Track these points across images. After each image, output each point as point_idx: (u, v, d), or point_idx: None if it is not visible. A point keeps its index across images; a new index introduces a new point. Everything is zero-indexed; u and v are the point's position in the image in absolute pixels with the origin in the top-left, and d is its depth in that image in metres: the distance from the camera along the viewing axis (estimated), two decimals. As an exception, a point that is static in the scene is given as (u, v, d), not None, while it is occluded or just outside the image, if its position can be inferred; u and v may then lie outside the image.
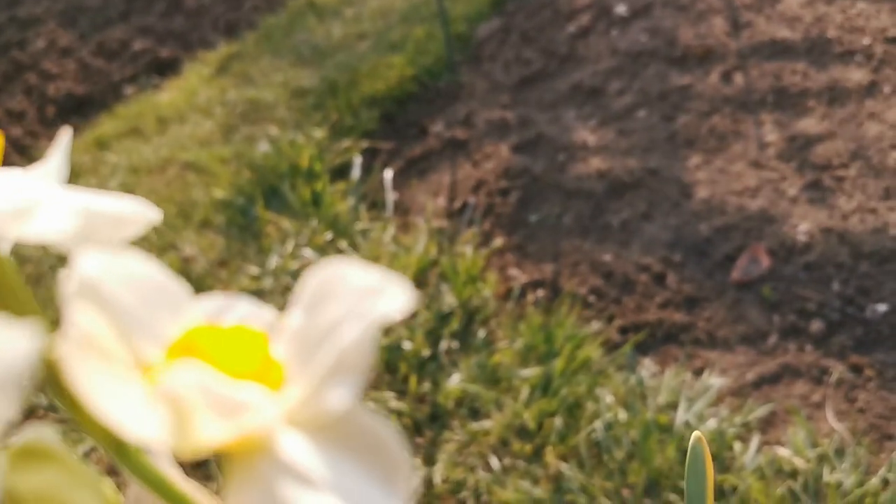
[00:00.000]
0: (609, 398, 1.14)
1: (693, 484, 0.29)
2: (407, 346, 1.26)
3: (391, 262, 1.41)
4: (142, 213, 0.18)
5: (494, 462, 1.10)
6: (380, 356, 1.25)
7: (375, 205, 1.60)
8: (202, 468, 1.11)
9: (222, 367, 0.16)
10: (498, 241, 1.45)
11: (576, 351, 1.21)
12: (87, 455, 1.15)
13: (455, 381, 1.20)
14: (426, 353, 1.25)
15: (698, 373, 1.19)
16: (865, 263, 1.26)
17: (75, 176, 1.83)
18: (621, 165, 1.53)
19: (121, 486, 0.20)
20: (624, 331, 1.27)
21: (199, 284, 1.46)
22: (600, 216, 1.46)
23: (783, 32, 1.72)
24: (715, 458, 1.05)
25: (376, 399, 1.19)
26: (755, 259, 1.30)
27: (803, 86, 1.59)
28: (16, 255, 1.60)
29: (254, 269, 1.47)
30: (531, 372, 1.19)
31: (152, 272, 0.18)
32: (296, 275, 1.43)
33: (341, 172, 1.69)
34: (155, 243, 1.57)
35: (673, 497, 1.03)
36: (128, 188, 1.77)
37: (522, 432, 1.13)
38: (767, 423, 1.11)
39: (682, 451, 1.07)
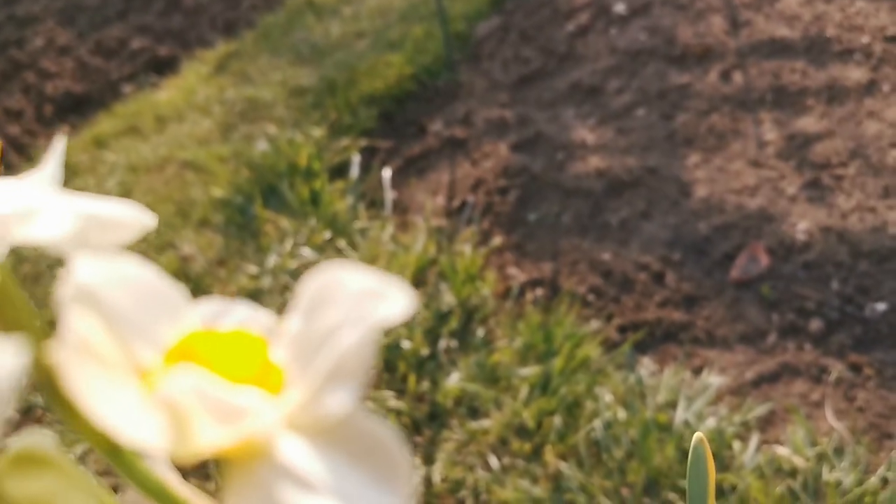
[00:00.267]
0: (608, 397, 1.14)
1: (695, 484, 0.29)
2: (406, 345, 1.26)
3: (390, 261, 1.40)
4: (136, 217, 0.18)
5: (493, 461, 1.10)
6: (378, 355, 1.25)
7: (374, 204, 1.60)
8: (200, 471, 1.11)
9: (221, 372, 0.16)
10: (497, 240, 1.44)
11: (575, 350, 1.21)
12: (82, 458, 1.15)
13: (454, 380, 1.20)
14: (425, 352, 1.25)
15: (697, 372, 1.19)
16: (864, 262, 1.26)
17: (73, 175, 1.83)
18: (620, 164, 1.53)
19: (116, 490, 0.20)
20: (623, 330, 1.27)
21: (198, 283, 1.45)
22: (599, 215, 1.46)
23: (782, 31, 1.72)
24: (714, 457, 1.05)
25: (375, 398, 1.19)
26: (754, 258, 1.30)
27: (802, 84, 1.59)
28: (14, 255, 1.60)
29: (252, 268, 1.47)
30: (530, 371, 1.19)
31: (149, 276, 0.18)
32: (294, 274, 1.43)
33: (340, 171, 1.69)
34: (153, 242, 1.57)
35: (672, 496, 1.03)
36: (126, 187, 1.77)
37: (521, 431, 1.13)
38: (766, 422, 1.11)
39: (681, 450, 1.07)
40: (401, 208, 1.58)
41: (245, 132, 1.86)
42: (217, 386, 0.15)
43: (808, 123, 1.51)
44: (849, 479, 1.00)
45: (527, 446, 1.11)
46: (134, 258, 0.18)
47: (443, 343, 1.26)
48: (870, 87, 1.54)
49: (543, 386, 1.17)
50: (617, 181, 1.50)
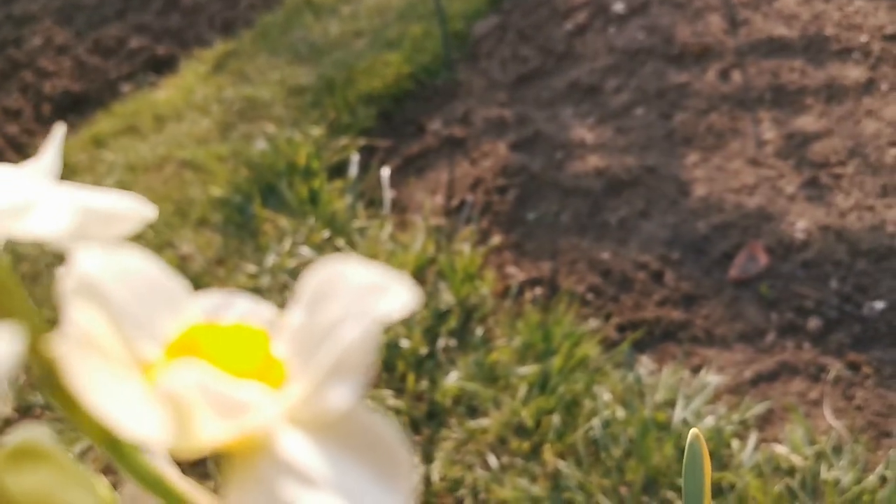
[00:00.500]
0: (607, 396, 1.14)
1: (691, 481, 0.29)
2: (404, 343, 1.26)
3: (388, 261, 1.40)
4: (137, 209, 0.18)
5: (492, 460, 1.10)
6: (377, 354, 1.25)
7: (373, 203, 1.60)
8: (199, 467, 1.11)
9: (222, 366, 0.16)
10: (496, 239, 1.44)
11: (574, 349, 1.21)
12: (82, 454, 1.15)
13: (453, 379, 1.20)
14: (424, 351, 1.25)
15: (696, 370, 1.19)
16: (863, 261, 1.26)
17: (71, 174, 1.83)
18: (619, 163, 1.53)
19: (117, 486, 0.20)
20: (622, 329, 1.27)
21: (197, 282, 1.45)
22: (598, 214, 1.46)
23: (780, 30, 1.72)
24: (712, 455, 1.05)
25: (374, 397, 1.19)
26: (753, 257, 1.30)
27: (801, 83, 1.59)
28: (13, 253, 1.60)
29: (251, 268, 1.47)
30: (529, 370, 1.19)
31: (151, 269, 0.18)
32: (293, 273, 1.43)
33: (338, 170, 1.69)
34: (152, 241, 1.57)
35: (670, 494, 1.03)
36: (124, 186, 1.77)
37: (520, 430, 1.13)
38: (765, 421, 1.11)
39: (680, 449, 1.07)
40: (399, 207, 1.58)
41: (244, 131, 1.86)
42: (219, 380, 0.15)
43: (806, 122, 1.51)
44: (847, 478, 1.00)
45: (525, 445, 1.11)
46: (135, 250, 0.18)
47: (441, 342, 1.26)
48: (868, 86, 1.54)
49: (542, 385, 1.17)
50: (616, 180, 1.50)
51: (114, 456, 0.17)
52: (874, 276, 1.24)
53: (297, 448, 0.15)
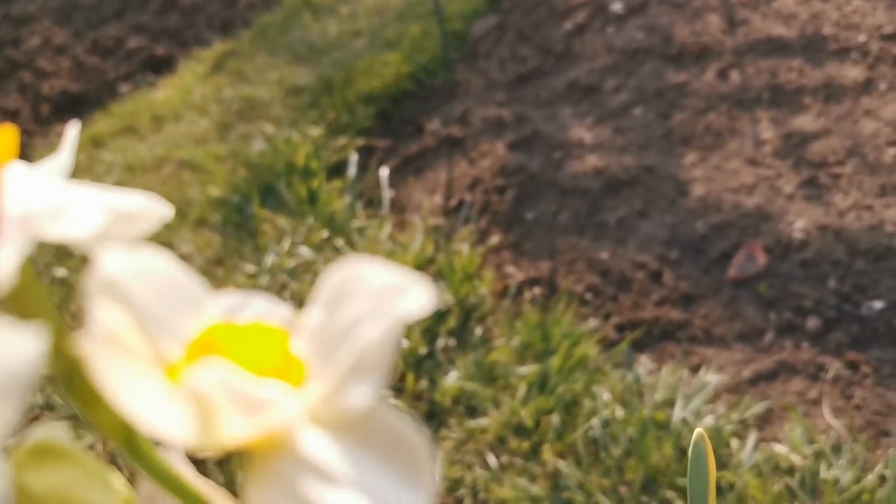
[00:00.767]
0: (606, 395, 1.14)
1: (696, 481, 0.29)
2: (404, 343, 1.26)
3: (387, 260, 1.40)
4: (155, 209, 0.18)
5: (492, 460, 1.10)
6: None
7: (372, 203, 1.60)
8: (199, 465, 1.11)
9: (243, 364, 0.16)
10: (494, 239, 1.45)
11: (573, 348, 1.21)
12: (87, 450, 1.15)
13: (452, 379, 1.20)
14: (423, 350, 1.25)
15: (695, 370, 1.19)
16: (861, 260, 1.26)
17: (70, 174, 1.82)
18: (617, 163, 1.53)
19: (129, 482, 0.20)
20: (621, 328, 1.27)
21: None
22: (597, 214, 1.46)
23: (779, 30, 1.72)
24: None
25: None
26: (751, 256, 1.30)
27: (799, 83, 1.59)
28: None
29: (250, 268, 1.47)
30: (528, 369, 1.19)
31: (171, 269, 0.18)
32: (292, 273, 1.43)
33: (337, 170, 1.69)
34: (151, 241, 1.56)
35: (670, 494, 1.03)
36: (123, 186, 1.77)
37: (520, 430, 1.13)
38: (764, 420, 1.11)
39: (679, 449, 1.07)
40: (398, 207, 1.58)
41: (242, 131, 1.86)
42: (242, 378, 0.15)
43: (804, 122, 1.51)
44: (846, 477, 1.00)
45: (525, 445, 1.11)
46: (155, 250, 0.18)
47: (441, 342, 1.26)
48: (866, 86, 1.54)
49: (541, 384, 1.17)
50: (614, 180, 1.50)
51: (131, 454, 0.17)
52: (873, 275, 1.24)
53: (319, 446, 0.15)
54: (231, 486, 1.07)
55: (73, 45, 2.36)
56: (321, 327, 0.17)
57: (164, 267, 0.18)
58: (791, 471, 1.03)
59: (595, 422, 1.10)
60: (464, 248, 1.42)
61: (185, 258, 1.52)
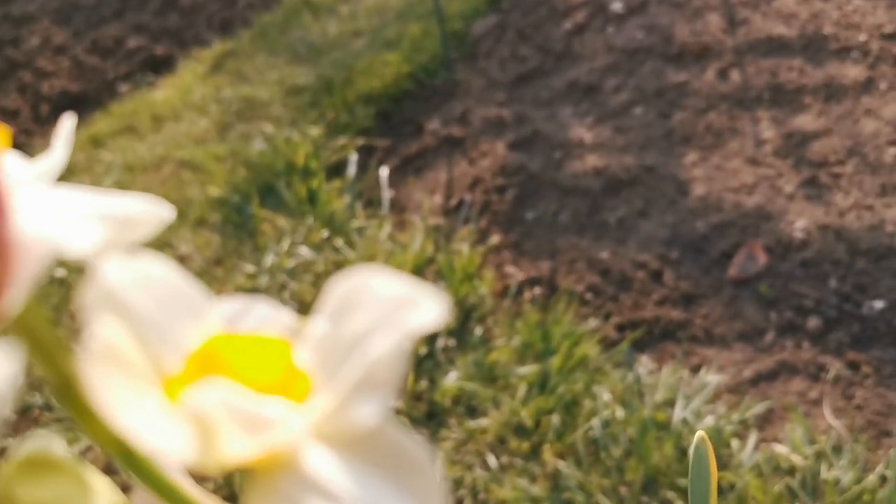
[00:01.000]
0: (606, 396, 1.14)
1: (697, 483, 0.29)
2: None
3: (387, 260, 1.40)
4: (156, 212, 0.18)
5: (492, 460, 1.10)
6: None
7: (371, 202, 1.60)
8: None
9: (245, 378, 0.16)
10: (494, 239, 1.44)
11: (573, 348, 1.21)
12: (82, 454, 1.15)
13: (452, 379, 1.20)
14: (423, 350, 1.25)
15: (695, 370, 1.19)
16: (862, 260, 1.26)
17: (69, 174, 1.82)
18: (618, 163, 1.53)
19: (125, 490, 0.20)
20: (621, 328, 1.27)
21: (195, 283, 1.45)
22: (597, 213, 1.45)
23: (779, 29, 1.72)
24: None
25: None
26: (752, 256, 1.30)
27: (800, 83, 1.59)
28: None
29: (249, 268, 1.47)
30: (528, 370, 1.19)
31: (171, 275, 0.18)
32: (292, 273, 1.43)
33: (337, 170, 1.68)
34: (150, 241, 1.56)
35: (670, 494, 1.03)
36: (123, 186, 1.77)
37: (520, 430, 1.13)
38: (765, 421, 1.11)
39: (680, 449, 1.07)
40: (398, 207, 1.58)
41: (242, 131, 1.86)
42: (245, 397, 0.15)
43: (805, 121, 1.51)
44: (847, 477, 1.00)
45: (525, 445, 1.11)
46: (155, 257, 0.17)
47: (440, 342, 1.26)
48: (867, 85, 1.54)
49: (541, 385, 1.17)
50: (615, 180, 1.50)
51: (128, 466, 0.17)
52: (873, 275, 1.24)
53: (323, 464, 0.15)
54: (233, 499, 1.07)
55: (72, 45, 2.36)
56: (327, 339, 0.17)
57: (164, 273, 0.18)
58: (792, 471, 1.03)
59: (595, 422, 1.10)
60: (464, 247, 1.41)
61: (184, 258, 1.52)
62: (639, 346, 1.24)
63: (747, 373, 1.17)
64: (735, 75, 1.66)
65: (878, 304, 1.20)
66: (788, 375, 1.15)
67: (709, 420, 1.09)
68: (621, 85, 1.72)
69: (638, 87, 1.69)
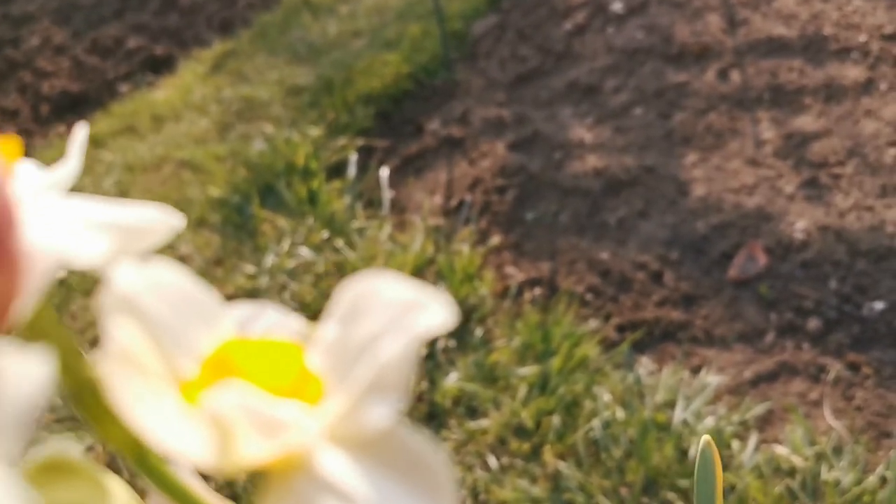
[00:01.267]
0: (607, 396, 1.14)
1: (703, 487, 0.29)
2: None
3: (388, 261, 1.40)
4: (165, 220, 0.18)
5: (492, 461, 1.10)
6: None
7: (372, 203, 1.60)
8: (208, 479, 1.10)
9: (259, 381, 0.16)
10: (495, 240, 1.44)
11: (573, 349, 1.21)
12: (85, 452, 1.15)
13: (452, 380, 1.20)
14: (423, 351, 1.25)
15: (696, 371, 1.19)
16: (862, 261, 1.26)
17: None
18: (618, 163, 1.53)
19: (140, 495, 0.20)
20: (621, 329, 1.27)
21: (195, 283, 1.45)
22: (597, 214, 1.45)
23: (779, 30, 1.72)
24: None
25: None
26: (752, 257, 1.30)
27: (800, 83, 1.59)
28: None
29: (250, 268, 1.47)
30: (529, 370, 1.19)
31: (184, 282, 0.18)
32: (292, 273, 1.43)
33: (337, 170, 1.68)
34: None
35: (671, 495, 1.03)
36: (123, 187, 1.77)
37: (520, 431, 1.13)
38: (765, 422, 1.11)
39: (680, 450, 1.07)
40: (398, 208, 1.58)
41: (242, 131, 1.86)
42: (261, 400, 0.15)
43: (805, 122, 1.51)
44: (847, 479, 1.00)
45: (525, 446, 1.11)
46: (168, 264, 0.18)
47: (441, 343, 1.26)
48: (867, 86, 1.54)
49: (542, 385, 1.17)
50: (615, 180, 1.50)
51: (142, 469, 0.17)
52: (873, 276, 1.24)
53: (336, 466, 0.15)
54: (236, 499, 1.07)
55: (72, 45, 2.36)
56: (337, 342, 0.17)
57: (178, 280, 0.18)
58: (792, 472, 1.03)
59: (596, 423, 1.10)
60: (464, 248, 1.41)
61: (184, 258, 1.52)
62: (639, 347, 1.24)
63: (747, 374, 1.17)
64: (735, 76, 1.66)
65: (879, 305, 1.20)
66: (789, 376, 1.15)
67: (709, 421, 1.09)
68: (621, 85, 1.72)
69: (638, 88, 1.70)
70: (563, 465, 1.07)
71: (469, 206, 1.53)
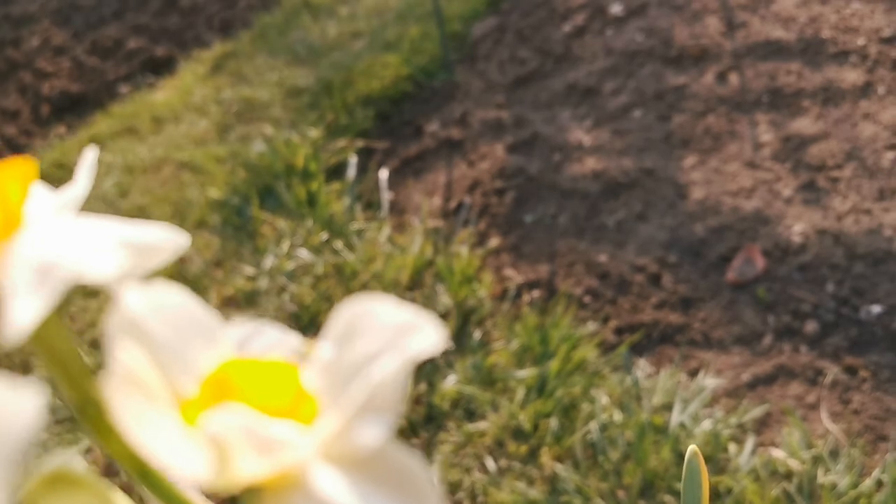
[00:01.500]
0: (604, 399, 1.14)
1: (690, 497, 0.29)
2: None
3: (386, 263, 1.41)
4: (172, 240, 0.19)
5: (490, 463, 1.10)
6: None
7: (371, 205, 1.61)
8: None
9: (257, 401, 0.16)
10: (493, 242, 1.45)
11: (571, 352, 1.22)
12: (84, 454, 1.15)
13: (451, 383, 1.21)
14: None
15: (693, 374, 1.19)
16: (860, 264, 1.26)
17: (70, 175, 1.82)
18: (616, 166, 1.53)
19: (126, 491, 0.20)
20: (619, 331, 1.27)
21: (195, 285, 1.45)
22: (595, 216, 1.46)
23: (778, 33, 1.73)
24: (710, 459, 1.06)
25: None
26: (750, 260, 1.31)
27: (798, 86, 1.59)
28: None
29: (249, 270, 1.47)
30: (527, 373, 1.19)
31: (187, 304, 0.19)
32: (291, 275, 1.43)
33: (336, 172, 1.69)
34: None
35: (668, 498, 1.03)
36: (123, 188, 1.77)
37: (518, 433, 1.14)
38: (762, 425, 1.11)
39: (677, 453, 1.07)
40: (397, 209, 1.58)
41: (242, 133, 1.86)
42: (259, 421, 0.16)
43: (803, 125, 1.51)
44: (844, 482, 1.00)
45: (523, 448, 1.11)
46: (172, 286, 0.18)
47: (439, 345, 1.26)
48: (865, 89, 1.55)
49: (540, 388, 1.18)
50: (613, 183, 1.51)
51: (145, 483, 0.18)
52: (871, 279, 1.24)
53: (330, 483, 0.16)
54: None
55: (72, 46, 2.37)
56: (332, 362, 0.17)
57: (180, 301, 0.18)
58: (789, 476, 1.03)
59: (593, 425, 1.11)
60: (463, 250, 1.42)
61: (184, 260, 1.52)
62: (637, 350, 1.24)
63: (745, 377, 1.17)
64: (734, 78, 1.66)
65: (876, 309, 1.20)
66: (786, 379, 1.16)
67: (706, 424, 1.09)
68: (620, 87, 1.72)
69: (637, 90, 1.70)
70: (560, 468, 1.08)
71: (468, 207, 1.53)
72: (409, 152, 1.71)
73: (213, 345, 0.18)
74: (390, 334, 0.17)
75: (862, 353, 1.16)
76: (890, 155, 1.41)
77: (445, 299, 1.33)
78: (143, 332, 0.17)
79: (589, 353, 1.22)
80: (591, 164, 1.55)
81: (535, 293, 1.35)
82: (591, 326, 1.27)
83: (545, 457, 1.10)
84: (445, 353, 1.26)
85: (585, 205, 1.48)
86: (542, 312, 1.30)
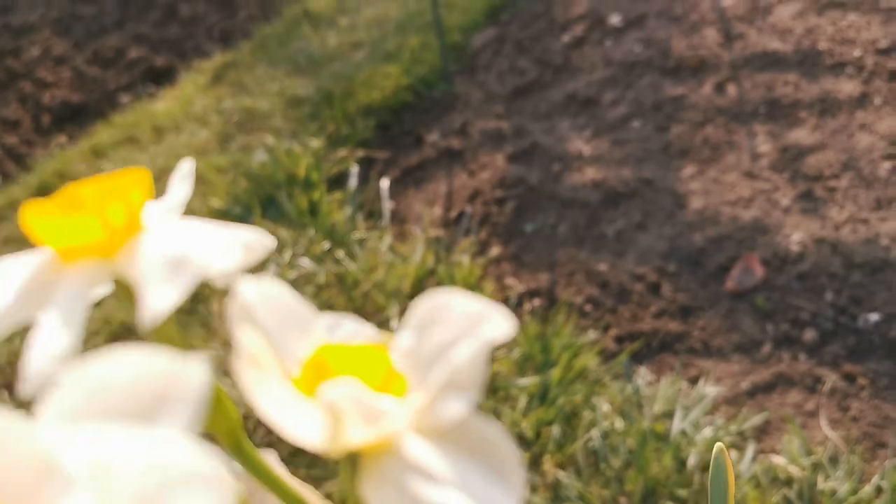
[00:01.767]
0: (606, 407, 1.15)
1: (716, 494, 0.30)
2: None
3: (388, 272, 1.42)
4: (263, 241, 0.21)
5: (493, 470, 1.11)
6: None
7: (372, 214, 1.61)
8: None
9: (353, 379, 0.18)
10: (494, 251, 1.46)
11: (573, 360, 1.22)
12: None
13: (453, 390, 1.21)
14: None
15: (693, 382, 1.20)
16: (857, 273, 1.27)
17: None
18: (616, 175, 1.55)
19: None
20: (620, 340, 1.28)
21: (197, 294, 1.46)
22: (595, 226, 1.47)
23: (775, 44, 1.74)
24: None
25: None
26: (749, 269, 1.32)
27: (795, 97, 1.61)
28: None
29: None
30: (528, 381, 1.20)
31: (286, 295, 0.21)
32: (293, 285, 1.44)
33: (338, 182, 1.70)
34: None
35: (670, 505, 1.04)
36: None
37: (520, 441, 1.14)
38: (762, 432, 1.12)
39: (679, 460, 1.08)
40: (399, 219, 1.59)
41: (243, 143, 1.87)
42: (367, 392, 0.18)
43: (801, 136, 1.53)
44: (843, 488, 1.01)
45: (525, 456, 1.12)
46: (273, 280, 0.20)
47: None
48: (861, 100, 1.56)
49: (541, 396, 1.19)
50: (613, 192, 1.52)
51: (238, 457, 0.20)
52: (869, 288, 1.25)
53: (422, 451, 0.17)
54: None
55: (73, 56, 2.37)
56: (414, 349, 0.19)
57: (282, 293, 0.21)
58: (789, 482, 1.04)
59: (595, 433, 1.11)
60: (464, 259, 1.43)
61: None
62: (637, 358, 1.25)
63: (745, 384, 1.18)
64: (731, 89, 1.68)
65: (874, 317, 1.21)
66: (785, 387, 1.17)
67: (707, 431, 1.10)
68: (619, 98, 1.74)
69: (636, 101, 1.71)
70: (562, 475, 1.08)
71: (469, 217, 1.54)
72: (409, 162, 1.72)
73: (308, 332, 0.21)
74: (465, 323, 0.19)
75: (860, 360, 1.17)
76: (886, 165, 1.43)
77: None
78: (256, 320, 0.19)
79: (590, 361, 1.23)
80: (590, 173, 1.57)
81: (536, 302, 1.36)
82: (592, 335, 1.28)
83: (547, 464, 1.11)
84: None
85: (585, 214, 1.49)
86: (543, 321, 1.31)
